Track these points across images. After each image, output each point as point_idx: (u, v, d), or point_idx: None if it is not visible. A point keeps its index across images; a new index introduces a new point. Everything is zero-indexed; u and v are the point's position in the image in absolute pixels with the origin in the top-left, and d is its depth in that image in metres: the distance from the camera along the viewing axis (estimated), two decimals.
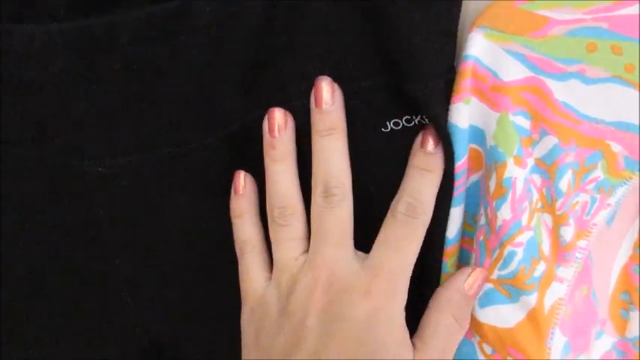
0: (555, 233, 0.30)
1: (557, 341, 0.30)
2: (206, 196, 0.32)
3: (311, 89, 0.30)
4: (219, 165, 0.31)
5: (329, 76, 0.30)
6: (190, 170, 0.31)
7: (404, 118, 0.30)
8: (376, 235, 0.30)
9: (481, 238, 0.31)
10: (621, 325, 0.32)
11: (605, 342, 0.33)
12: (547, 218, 0.30)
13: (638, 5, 0.26)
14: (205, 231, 0.32)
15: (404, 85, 0.29)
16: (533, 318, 0.30)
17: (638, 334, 0.32)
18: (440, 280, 0.31)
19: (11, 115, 0.30)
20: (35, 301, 0.33)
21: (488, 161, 0.30)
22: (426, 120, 0.30)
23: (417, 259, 0.29)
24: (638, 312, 0.31)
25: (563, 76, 0.28)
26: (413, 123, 0.30)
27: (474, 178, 0.32)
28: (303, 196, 0.31)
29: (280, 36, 0.29)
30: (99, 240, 0.32)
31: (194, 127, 0.30)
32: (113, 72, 0.29)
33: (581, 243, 0.30)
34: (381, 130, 0.30)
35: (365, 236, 0.30)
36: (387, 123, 0.30)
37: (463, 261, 0.32)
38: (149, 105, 0.30)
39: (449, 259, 0.32)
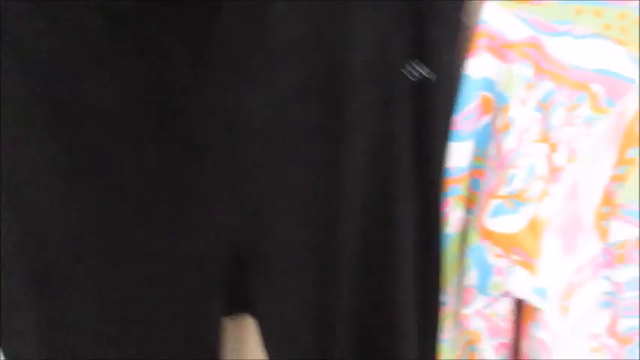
0: (550, 159, 0.38)
1: (549, 243, 0.38)
2: None
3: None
4: None
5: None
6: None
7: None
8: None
9: (491, 164, 0.39)
10: (603, 233, 0.41)
11: (592, 247, 0.41)
12: (544, 146, 0.38)
13: None
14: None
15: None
16: (532, 225, 0.38)
17: (617, 239, 0.40)
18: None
19: None
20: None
21: (497, 105, 0.39)
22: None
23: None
24: (615, 221, 0.39)
25: (556, 34, 0.35)
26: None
27: (485, 119, 0.40)
28: None
29: None
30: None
31: None
32: None
33: (570, 166, 0.38)
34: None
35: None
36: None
37: (474, 187, 0.41)
38: None
39: (461, 184, 0.40)
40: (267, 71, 0.34)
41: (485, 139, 0.40)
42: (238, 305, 0.40)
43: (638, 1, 0.34)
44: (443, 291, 0.42)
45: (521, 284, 0.38)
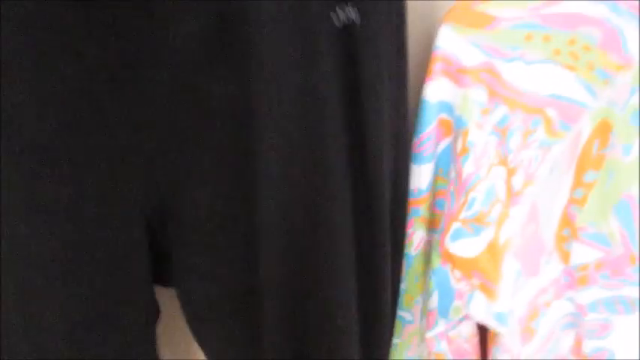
0: (509, 182, 0.38)
1: (510, 266, 0.39)
2: None
3: None
4: None
5: None
6: None
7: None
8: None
9: (452, 188, 0.40)
10: (565, 256, 0.41)
11: (554, 269, 0.41)
12: (502, 170, 0.38)
13: (560, 5, 0.34)
14: None
15: None
16: (491, 248, 0.38)
17: (578, 261, 0.40)
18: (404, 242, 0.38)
19: None
20: None
21: (456, 128, 0.39)
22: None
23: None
24: (576, 244, 0.39)
25: (509, 60, 0.36)
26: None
27: (446, 141, 0.40)
28: None
29: None
30: None
31: None
32: None
33: (529, 190, 0.38)
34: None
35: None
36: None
37: (439, 207, 0.41)
38: None
39: (422, 205, 0.40)
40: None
41: (448, 160, 0.40)
42: (166, 279, 0.36)
43: (586, 28, 0.34)
44: (406, 307, 0.42)
45: (480, 309, 0.38)
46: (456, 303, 0.39)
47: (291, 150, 0.32)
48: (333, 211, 0.33)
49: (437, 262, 0.40)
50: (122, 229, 0.33)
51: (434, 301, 0.40)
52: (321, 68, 0.31)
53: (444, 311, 0.39)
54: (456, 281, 0.40)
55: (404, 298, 0.43)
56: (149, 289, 0.35)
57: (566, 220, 0.40)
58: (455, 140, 0.39)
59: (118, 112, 0.31)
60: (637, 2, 0.34)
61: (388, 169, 0.35)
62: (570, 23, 0.34)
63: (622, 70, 0.35)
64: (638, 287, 0.40)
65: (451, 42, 0.37)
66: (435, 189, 0.41)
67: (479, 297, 0.38)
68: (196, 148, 0.31)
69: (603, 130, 0.36)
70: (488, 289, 0.38)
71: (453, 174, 0.40)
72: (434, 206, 0.42)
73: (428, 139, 0.39)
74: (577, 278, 0.41)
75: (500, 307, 0.38)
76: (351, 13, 0.31)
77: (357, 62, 0.32)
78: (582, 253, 0.40)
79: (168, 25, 0.29)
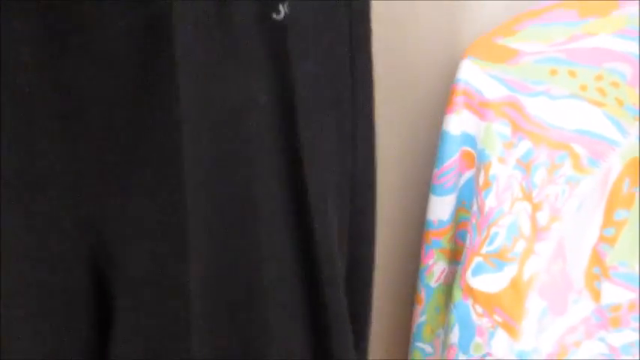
0: (534, 217, 0.37)
1: (535, 304, 0.37)
2: None
3: None
4: None
5: None
6: None
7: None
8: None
9: (474, 221, 0.39)
10: (596, 295, 0.39)
11: (584, 308, 0.40)
12: (527, 205, 0.37)
13: (585, 40, 0.33)
14: None
15: None
16: (514, 285, 0.37)
17: (609, 301, 0.39)
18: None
19: None
20: None
21: (478, 161, 0.38)
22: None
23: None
24: (607, 283, 0.38)
25: (533, 94, 0.35)
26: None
27: (469, 174, 0.40)
28: None
29: None
30: None
31: None
32: None
33: (555, 225, 0.37)
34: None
35: None
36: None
37: (461, 239, 0.40)
38: None
39: (443, 237, 0.40)
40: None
41: (471, 192, 0.40)
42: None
43: (614, 64, 0.33)
44: (427, 340, 0.41)
45: (502, 348, 0.37)
46: (477, 340, 0.38)
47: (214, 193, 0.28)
48: (268, 272, 0.29)
49: (458, 295, 0.40)
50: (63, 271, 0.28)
51: (455, 335, 0.39)
52: (251, 77, 0.28)
53: (464, 347, 0.39)
54: (478, 317, 0.39)
55: (424, 330, 0.43)
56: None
57: (597, 258, 0.38)
58: (477, 173, 0.39)
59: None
60: None
61: (340, 220, 0.31)
62: (597, 59, 0.33)
63: None
64: None
65: (474, 75, 0.37)
66: (457, 221, 0.41)
67: (501, 335, 0.37)
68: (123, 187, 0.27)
69: (634, 168, 0.35)
70: (510, 327, 0.37)
71: (475, 207, 0.39)
72: (456, 238, 0.41)
73: (450, 171, 0.39)
74: (609, 319, 0.39)
75: (524, 346, 0.37)
76: (280, 12, 0.27)
77: (288, 63, 0.28)
78: (614, 293, 0.38)
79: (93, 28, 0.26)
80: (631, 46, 0.32)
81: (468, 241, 0.40)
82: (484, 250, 0.38)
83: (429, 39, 0.38)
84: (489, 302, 0.38)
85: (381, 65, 0.35)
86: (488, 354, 0.37)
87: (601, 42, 0.33)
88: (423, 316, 0.43)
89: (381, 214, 0.37)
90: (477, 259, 0.38)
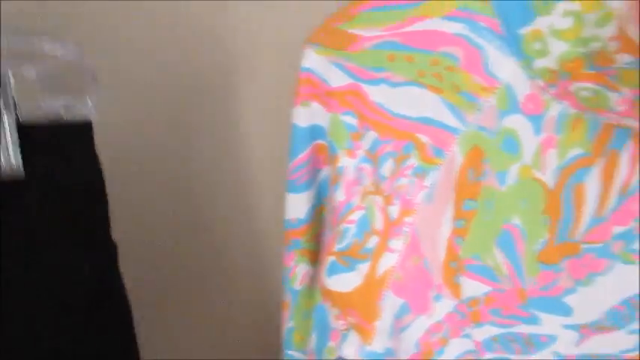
0: (385, 211, 0.35)
1: (390, 302, 0.36)
2: None
3: None
4: None
5: None
6: None
7: None
8: None
9: (328, 218, 0.37)
10: (456, 290, 0.38)
11: (446, 304, 0.38)
12: (378, 199, 0.35)
13: (419, 23, 0.31)
14: None
15: None
16: (368, 283, 0.35)
17: (468, 295, 0.37)
18: None
19: None
20: None
21: (330, 154, 0.36)
22: None
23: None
24: (463, 277, 0.36)
25: (374, 82, 0.33)
26: None
27: (328, 169, 0.38)
28: None
29: None
30: None
31: None
32: None
33: (408, 219, 0.35)
34: None
35: None
36: None
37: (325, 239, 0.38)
38: None
39: (302, 237, 0.38)
40: None
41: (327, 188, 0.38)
42: None
43: (447, 48, 0.32)
44: (296, 347, 0.39)
45: (352, 350, 0.35)
46: (330, 344, 0.36)
47: None
48: None
49: (318, 298, 0.38)
50: None
51: (313, 340, 0.37)
52: None
53: (319, 352, 0.36)
54: (335, 319, 0.37)
55: (293, 337, 0.41)
56: None
57: (452, 252, 0.37)
58: (330, 167, 0.37)
59: None
60: (496, 20, 0.31)
61: None
62: (431, 43, 0.31)
63: (487, 92, 0.32)
64: (532, 325, 0.37)
65: (317, 63, 0.35)
66: (319, 219, 0.39)
67: (352, 337, 0.35)
68: None
69: (476, 157, 0.33)
70: (362, 328, 0.35)
71: (328, 203, 0.37)
72: (319, 238, 0.39)
73: (302, 166, 0.37)
74: (470, 314, 0.38)
75: (375, 347, 0.35)
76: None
77: None
78: (470, 287, 0.37)
79: None
80: (462, 29, 0.31)
81: (324, 239, 0.38)
82: (336, 247, 0.36)
83: (291, 31, 0.35)
84: (344, 303, 0.36)
85: (250, 57, 0.34)
86: (340, 358, 0.35)
87: (433, 25, 0.31)
88: (291, 321, 0.40)
89: (258, 213, 0.35)
90: (331, 259, 0.36)
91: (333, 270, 0.36)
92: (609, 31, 0.28)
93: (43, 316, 0.32)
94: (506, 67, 0.31)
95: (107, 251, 0.36)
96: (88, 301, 0.33)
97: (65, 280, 0.32)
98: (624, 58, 0.29)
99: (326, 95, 0.35)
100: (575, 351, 0.36)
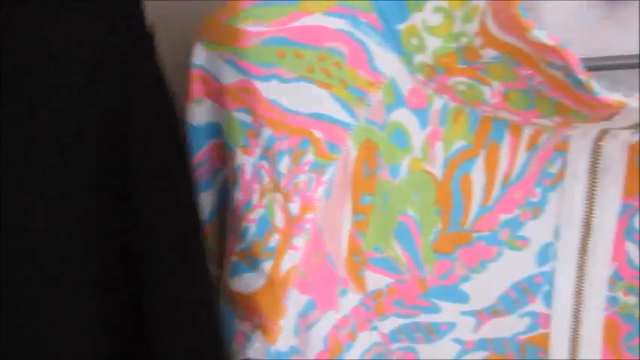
0: (286, 209, 0.35)
1: (296, 299, 0.35)
2: None
3: None
4: None
5: None
6: None
7: None
8: None
9: (229, 218, 0.36)
10: (361, 283, 0.38)
11: (352, 299, 0.39)
12: (277, 197, 0.35)
13: (303, 19, 0.31)
14: None
15: None
16: (271, 282, 0.35)
17: (372, 288, 0.38)
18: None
19: None
20: None
21: (227, 152, 0.36)
22: None
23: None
24: (367, 270, 0.37)
25: (265, 78, 0.33)
26: None
27: (226, 169, 0.37)
28: None
29: None
30: None
31: None
32: None
33: (308, 216, 0.35)
34: None
35: None
36: None
37: None
38: None
39: (207, 238, 0.37)
40: None
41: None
42: None
43: (333, 44, 0.32)
44: None
45: (257, 352, 0.34)
46: (235, 347, 0.35)
47: None
48: None
49: (222, 301, 0.37)
50: None
51: None
52: None
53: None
54: (240, 322, 0.36)
55: None
56: None
57: (354, 246, 0.37)
58: (228, 166, 0.36)
59: None
60: (374, 15, 0.32)
61: None
62: (316, 38, 0.31)
63: (374, 87, 0.33)
64: (433, 314, 0.38)
65: (207, 60, 0.34)
66: (224, 220, 0.38)
67: (257, 338, 0.35)
68: None
69: (369, 151, 0.34)
70: (266, 328, 0.35)
71: (230, 203, 0.37)
72: (224, 239, 0.38)
73: (199, 166, 0.36)
74: (375, 306, 0.39)
75: (280, 347, 0.35)
76: None
77: None
78: (374, 280, 0.37)
79: None
80: (344, 25, 0.31)
81: (227, 241, 0.37)
82: (238, 248, 0.35)
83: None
84: (248, 304, 0.36)
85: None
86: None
87: (317, 20, 0.31)
88: None
89: None
90: (233, 259, 0.36)
91: (236, 270, 0.35)
92: (474, 26, 0.30)
93: None
94: (388, 63, 0.32)
95: None
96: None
97: None
98: (489, 53, 0.30)
99: (219, 92, 0.34)
100: (474, 336, 0.37)
